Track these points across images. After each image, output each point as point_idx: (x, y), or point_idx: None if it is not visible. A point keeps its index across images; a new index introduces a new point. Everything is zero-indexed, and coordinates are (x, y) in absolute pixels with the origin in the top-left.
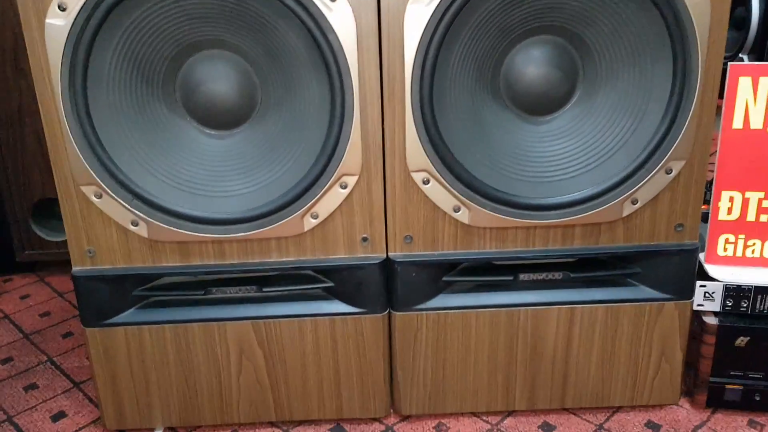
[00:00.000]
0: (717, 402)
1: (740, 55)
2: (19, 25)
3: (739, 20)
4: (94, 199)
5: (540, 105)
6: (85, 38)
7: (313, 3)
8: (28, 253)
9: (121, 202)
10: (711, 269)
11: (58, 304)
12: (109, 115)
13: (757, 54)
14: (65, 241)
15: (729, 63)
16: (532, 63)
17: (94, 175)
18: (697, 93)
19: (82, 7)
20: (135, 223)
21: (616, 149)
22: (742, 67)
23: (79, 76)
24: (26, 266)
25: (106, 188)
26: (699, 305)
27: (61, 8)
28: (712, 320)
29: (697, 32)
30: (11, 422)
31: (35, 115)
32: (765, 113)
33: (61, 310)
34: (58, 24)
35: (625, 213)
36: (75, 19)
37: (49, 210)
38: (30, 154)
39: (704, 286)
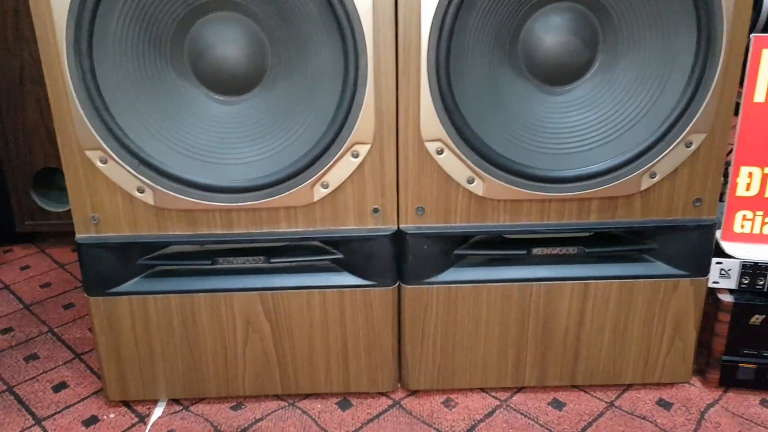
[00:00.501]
0: (729, 381)
1: (750, 35)
2: None
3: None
4: (99, 164)
5: (558, 74)
6: None
7: None
8: (29, 224)
9: (127, 168)
10: (727, 246)
11: (58, 276)
12: (115, 78)
13: None
14: (66, 212)
15: (752, 35)
16: (551, 30)
17: (99, 139)
18: (720, 64)
19: None
20: (141, 190)
21: (636, 121)
22: (767, 39)
23: (85, 37)
24: (26, 237)
25: (112, 153)
26: (714, 282)
27: None
28: (727, 298)
29: (723, 0)
30: (12, 392)
31: (36, 83)
32: None
33: (62, 282)
34: None
35: (643, 187)
36: None
37: (50, 180)
38: (31, 123)
39: (720, 263)
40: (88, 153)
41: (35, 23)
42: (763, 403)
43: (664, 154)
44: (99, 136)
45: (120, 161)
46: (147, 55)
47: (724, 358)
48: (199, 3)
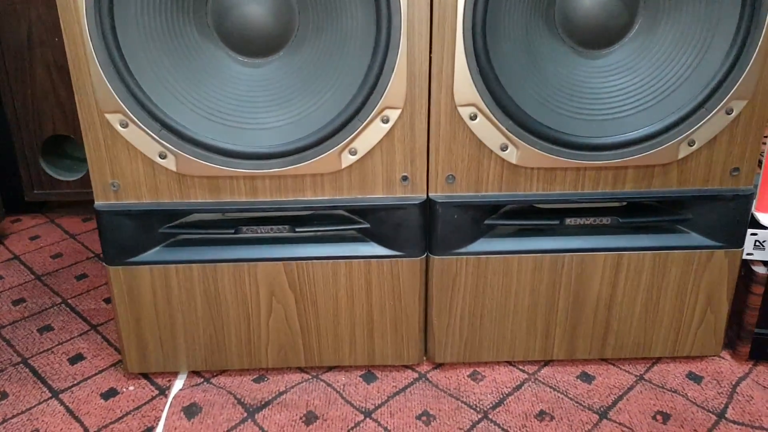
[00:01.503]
0: (760, 354)
1: None
2: None
3: None
4: (119, 128)
5: (597, 37)
6: None
7: None
8: (38, 193)
9: (149, 132)
10: (762, 217)
11: (70, 246)
12: (136, 38)
13: None
14: (77, 181)
15: None
16: None
17: (120, 101)
18: (765, 29)
19: None
20: (163, 156)
21: (676, 87)
22: None
23: None
24: (35, 206)
25: (133, 116)
26: (749, 254)
27: None
28: (761, 270)
29: None
30: (26, 364)
31: (46, 46)
32: None
33: (74, 252)
34: None
35: (681, 155)
36: None
37: (60, 148)
38: (40, 88)
39: (755, 234)
40: (108, 116)
41: None
42: None
43: (703, 121)
44: (119, 98)
45: (141, 125)
46: (169, 14)
47: (756, 330)
48: None
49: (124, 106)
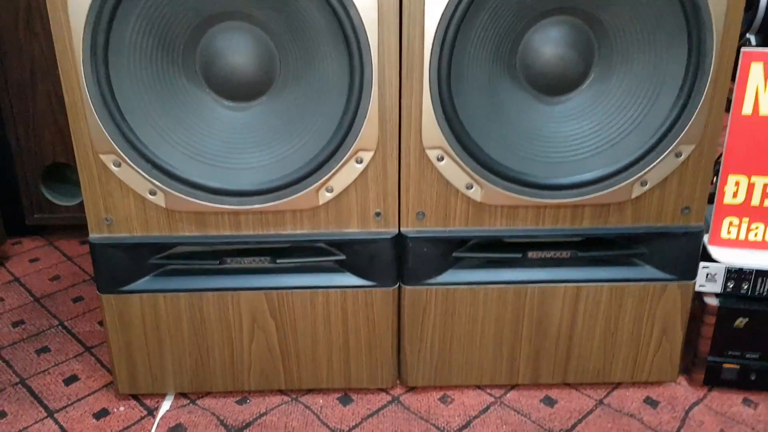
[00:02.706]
0: (714, 380)
1: (747, 35)
2: None
3: (747, 1)
4: (112, 167)
5: (555, 85)
6: (108, 8)
7: None
8: (38, 217)
9: (140, 171)
10: (714, 251)
11: (67, 268)
12: (129, 84)
13: (764, 33)
14: (75, 206)
15: (742, 49)
16: (548, 43)
17: (113, 143)
18: (710, 78)
19: None
20: (153, 193)
21: (628, 132)
22: (755, 53)
23: (101, 46)
24: (35, 230)
25: (125, 157)
26: (701, 286)
27: None
28: (713, 301)
29: (713, 17)
30: (24, 384)
31: (47, 79)
32: None
33: (71, 274)
34: None
35: (634, 194)
36: None
37: (59, 174)
38: (41, 118)
39: (707, 267)
40: (103, 156)
41: (53, 29)
42: (745, 402)
43: (654, 163)
44: (113, 140)
45: (133, 164)
46: (160, 63)
47: (709, 358)
48: (211, 13)
49: (117, 148)
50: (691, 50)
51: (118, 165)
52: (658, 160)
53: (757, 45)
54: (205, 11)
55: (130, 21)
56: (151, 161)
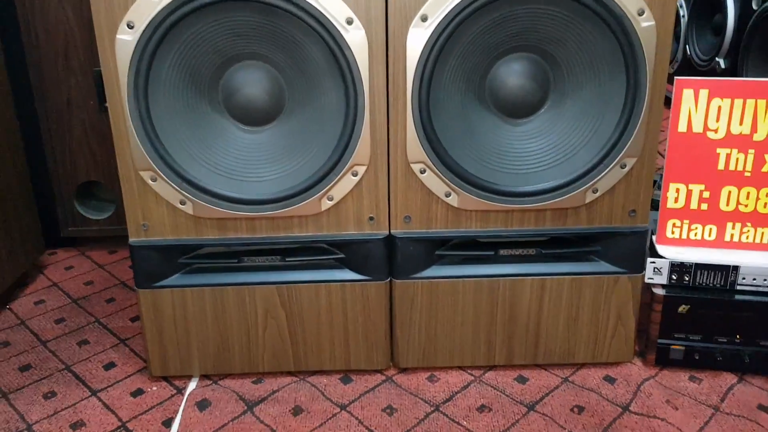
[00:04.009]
0: (664, 360)
1: (717, 58)
2: (70, 28)
3: (716, 26)
4: (149, 182)
5: (518, 110)
6: (148, 51)
7: (333, 25)
8: (72, 230)
9: (172, 184)
10: (660, 249)
11: (99, 275)
12: (164, 113)
13: (733, 57)
14: (105, 220)
15: (675, 77)
16: (512, 75)
17: (150, 161)
18: (646, 102)
19: (147, 26)
20: (183, 202)
21: (580, 147)
22: (686, 81)
23: (142, 82)
24: (69, 241)
25: (160, 173)
26: (650, 278)
27: (130, 26)
28: (659, 291)
29: (645, 53)
30: (69, 370)
31: (82, 109)
32: (704, 119)
33: (103, 279)
34: (126, 39)
35: (588, 200)
36: (141, 35)
37: (91, 191)
38: (77, 142)
39: (654, 262)
40: (141, 173)
41: (103, 71)
42: (691, 378)
43: (603, 173)
44: (150, 158)
45: (166, 179)
46: (189, 95)
47: (659, 341)
48: (231, 54)
49: (153, 165)
50: (629, 80)
51: (154, 179)
52: (606, 170)
53: (726, 68)
54: (226, 53)
55: (166, 63)
56: (182, 176)
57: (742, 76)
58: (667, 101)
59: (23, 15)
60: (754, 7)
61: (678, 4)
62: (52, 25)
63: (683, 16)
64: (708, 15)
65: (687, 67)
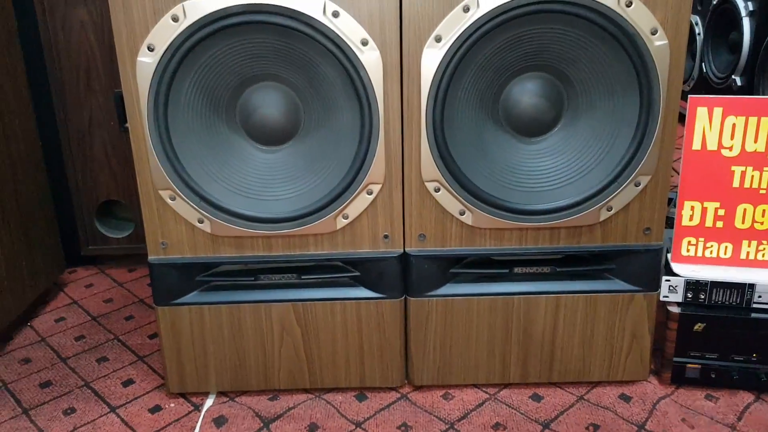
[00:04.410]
0: (680, 379)
1: (733, 76)
2: (92, 51)
3: (732, 44)
4: (168, 201)
5: (532, 128)
6: (168, 73)
7: (348, 46)
8: (92, 248)
9: (191, 203)
10: (675, 267)
11: (119, 292)
12: (183, 134)
13: (749, 75)
14: (124, 238)
15: (689, 95)
16: (525, 94)
17: (170, 181)
18: (659, 120)
19: (167, 49)
20: (201, 221)
21: (594, 166)
22: (700, 99)
23: (162, 103)
24: (89, 259)
25: (179, 192)
26: (665, 297)
27: (150, 49)
28: (675, 309)
29: (658, 72)
30: (89, 387)
31: (103, 129)
32: (718, 137)
33: (122, 297)
34: (147, 62)
35: (602, 218)
36: (161, 58)
37: (111, 210)
38: (97, 162)
39: (669, 280)
40: (161, 192)
41: (124, 93)
42: (707, 397)
43: (617, 192)
44: (170, 178)
45: (185, 198)
46: (208, 116)
47: (675, 359)
48: (248, 76)
49: (173, 185)
50: (642, 98)
51: (173, 199)
52: (621, 188)
53: (742, 86)
54: (243, 75)
55: (185, 84)
56: (200, 195)
57: (758, 94)
58: (682, 118)
59: (46, 38)
60: None
61: (693, 21)
62: (74, 48)
63: (699, 34)
64: (724, 33)
65: (703, 85)
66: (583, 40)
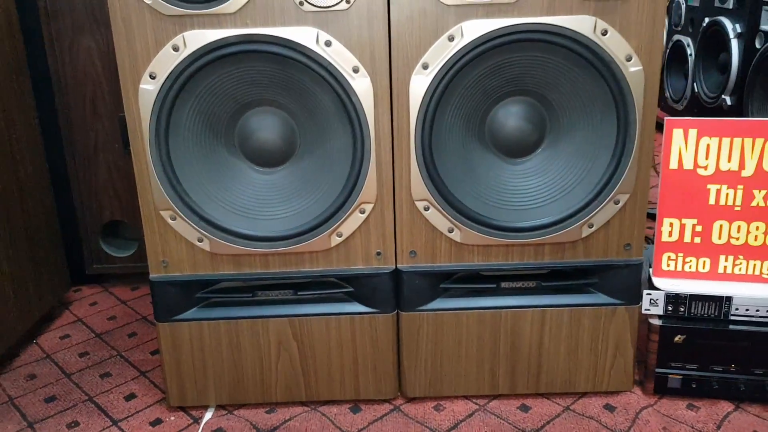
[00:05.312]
0: (662, 389)
1: (723, 96)
2: (97, 77)
3: (722, 64)
4: (169, 221)
5: (516, 149)
6: (169, 99)
7: (341, 73)
8: (96, 267)
9: (190, 223)
10: (656, 281)
11: (122, 310)
12: (183, 157)
13: (738, 95)
14: (128, 257)
15: (665, 118)
16: (509, 117)
17: (170, 201)
18: (636, 142)
19: (167, 77)
20: (200, 240)
21: (575, 185)
22: (676, 121)
23: (163, 128)
24: (94, 278)
25: (180, 212)
26: (646, 309)
27: (152, 77)
28: (656, 321)
29: (634, 96)
30: (92, 401)
31: (107, 152)
32: (694, 157)
33: (126, 315)
34: (149, 89)
35: (584, 235)
36: (162, 85)
37: (115, 230)
38: (102, 183)
39: (650, 294)
40: (162, 212)
41: (127, 118)
42: (689, 407)
43: (598, 209)
44: (170, 199)
45: (185, 218)
46: (207, 139)
47: (657, 370)
48: (246, 101)
49: (173, 205)
50: (619, 121)
51: (174, 218)
52: (601, 206)
53: (732, 105)
54: (241, 100)
55: (185, 110)
56: (199, 215)
57: (747, 113)
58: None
59: (54, 65)
60: (758, 46)
61: (685, 42)
62: (80, 74)
63: (690, 55)
64: (714, 53)
65: (695, 104)
66: (563, 67)
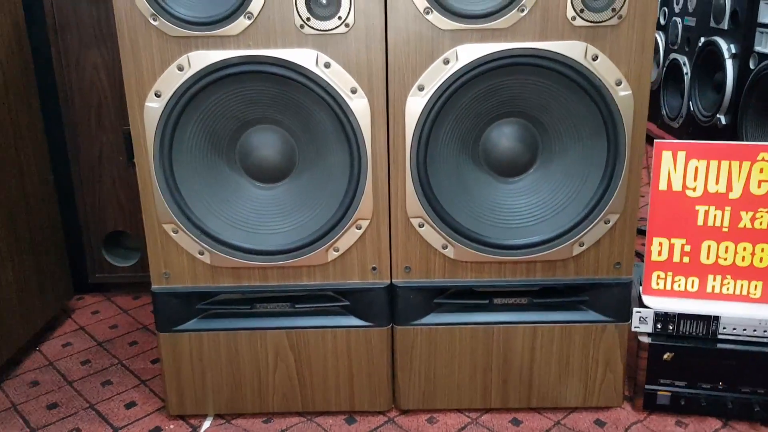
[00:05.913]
0: (651, 405)
1: (718, 115)
2: (103, 91)
3: (717, 84)
4: (171, 234)
5: (509, 169)
6: (173, 117)
7: (339, 94)
8: (99, 276)
9: (192, 236)
10: (646, 299)
11: (124, 319)
12: (186, 172)
13: (733, 114)
14: (130, 267)
15: (655, 140)
16: (503, 138)
17: (173, 215)
18: (626, 163)
19: (172, 95)
20: (201, 253)
21: (567, 204)
22: (665, 144)
23: (167, 144)
24: (96, 287)
25: (182, 226)
26: (636, 327)
27: (157, 95)
28: (645, 339)
29: (624, 119)
30: (93, 409)
31: (111, 164)
32: (683, 178)
33: (127, 324)
34: (154, 106)
35: (575, 253)
36: (167, 103)
37: (118, 240)
38: (105, 194)
39: (639, 312)
40: (164, 225)
41: (132, 135)
42: (678, 423)
43: (588, 228)
44: (173, 213)
45: (187, 231)
46: (209, 156)
47: (646, 387)
48: (247, 119)
49: (176, 219)
50: (609, 143)
51: (176, 232)
52: (591, 225)
53: (726, 124)
54: (242, 118)
55: (188, 127)
56: (201, 229)
57: (741, 132)
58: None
59: (60, 78)
60: (752, 66)
61: (681, 62)
62: (86, 88)
63: (686, 74)
64: (709, 73)
65: (691, 123)
66: (554, 90)
